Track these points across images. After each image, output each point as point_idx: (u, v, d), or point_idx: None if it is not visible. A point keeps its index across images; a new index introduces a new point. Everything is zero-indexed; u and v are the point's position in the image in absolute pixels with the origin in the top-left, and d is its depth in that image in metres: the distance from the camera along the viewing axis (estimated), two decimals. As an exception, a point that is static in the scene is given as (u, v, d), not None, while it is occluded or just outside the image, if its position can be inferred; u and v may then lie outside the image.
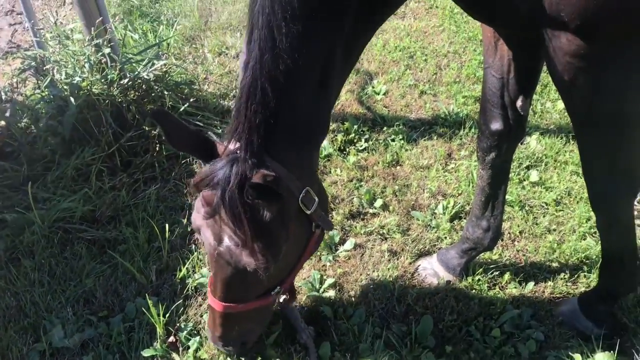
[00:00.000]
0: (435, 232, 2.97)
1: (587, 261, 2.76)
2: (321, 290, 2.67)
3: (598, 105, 1.82)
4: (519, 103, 2.27)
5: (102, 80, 3.29)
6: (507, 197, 3.04)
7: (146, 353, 2.42)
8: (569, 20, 1.62)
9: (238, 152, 1.71)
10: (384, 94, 3.99)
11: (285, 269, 2.04)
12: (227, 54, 4.46)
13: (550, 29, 1.70)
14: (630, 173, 2.02)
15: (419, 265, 2.79)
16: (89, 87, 3.22)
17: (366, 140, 3.60)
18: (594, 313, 2.44)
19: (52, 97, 3.28)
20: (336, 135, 3.61)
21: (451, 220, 3.02)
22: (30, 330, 2.52)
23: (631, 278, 2.33)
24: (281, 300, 2.13)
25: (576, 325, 2.48)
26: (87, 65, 3.31)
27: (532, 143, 3.49)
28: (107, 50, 3.29)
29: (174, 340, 2.49)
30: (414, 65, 4.29)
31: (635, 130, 1.91)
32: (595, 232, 2.90)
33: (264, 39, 1.58)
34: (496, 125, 2.33)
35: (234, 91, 3.93)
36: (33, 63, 3.43)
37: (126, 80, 3.37)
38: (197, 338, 2.48)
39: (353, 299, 2.64)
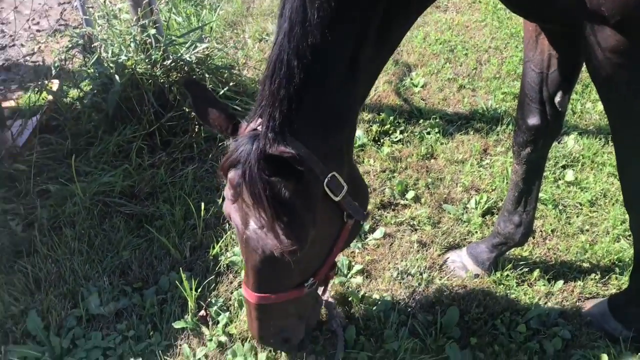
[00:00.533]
0: (466, 226, 2.98)
1: (619, 263, 2.74)
2: (349, 275, 2.71)
3: (636, 103, 1.80)
4: (557, 99, 2.26)
5: (146, 60, 3.38)
6: (541, 195, 3.04)
7: (177, 325, 2.50)
8: (609, 15, 1.61)
9: (260, 127, 1.66)
10: (422, 86, 4.00)
11: (317, 258, 1.96)
12: (267, 41, 4.52)
13: (590, 23, 1.69)
14: None
15: (447, 258, 2.81)
16: (133, 67, 3.31)
17: (401, 132, 3.61)
18: (623, 315, 2.42)
19: (97, 74, 3.38)
20: (371, 126, 3.63)
21: (483, 215, 3.02)
22: (69, 296, 2.62)
23: None
24: (316, 291, 2.09)
25: (604, 326, 2.46)
26: (132, 44, 3.40)
27: (570, 142, 3.45)
28: (152, 31, 3.37)
29: (205, 314, 2.56)
30: (454, 59, 4.28)
31: None
32: (629, 235, 2.86)
33: (295, 11, 1.54)
34: (533, 120, 2.33)
35: (273, 77, 3.98)
36: (81, 41, 3.54)
37: (169, 62, 3.45)
38: (227, 314, 2.55)
39: (380, 286, 2.67)
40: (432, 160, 3.41)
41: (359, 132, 3.56)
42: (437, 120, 3.68)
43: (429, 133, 3.58)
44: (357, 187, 1.98)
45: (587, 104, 3.79)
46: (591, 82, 3.92)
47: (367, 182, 3.18)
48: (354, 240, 2.84)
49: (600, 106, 3.73)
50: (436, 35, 4.54)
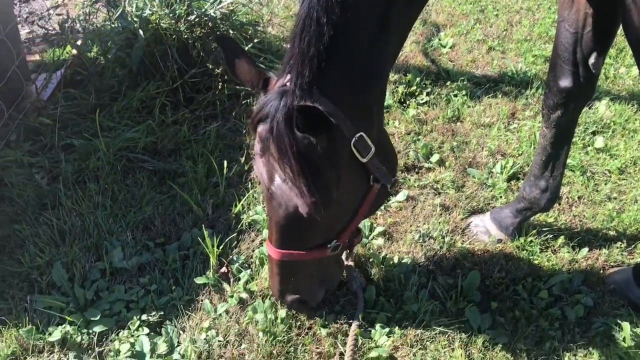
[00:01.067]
0: (491, 191, 2.94)
1: (646, 232, 2.69)
2: (370, 237, 2.70)
3: None
4: (591, 60, 2.18)
5: (170, 15, 3.34)
6: (569, 161, 2.98)
7: (199, 280, 2.52)
8: None
9: (288, 84, 1.65)
10: (451, 47, 3.90)
11: (341, 220, 1.95)
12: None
13: None
14: None
15: (470, 222, 2.78)
16: (157, 21, 3.27)
17: (428, 94, 3.54)
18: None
19: (121, 29, 3.35)
20: (397, 87, 3.57)
21: (508, 180, 2.97)
22: (93, 249, 2.66)
23: None
24: (339, 255, 2.09)
25: (628, 294, 2.43)
26: (157, -1, 3.35)
27: (601, 108, 3.36)
28: (176, -14, 3.32)
29: (226, 271, 2.58)
30: (484, 20, 4.16)
31: None
32: (658, 204, 2.80)
33: None
34: (565, 82, 2.25)
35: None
36: (106, -6, 3.50)
37: (193, 17, 3.40)
38: (248, 271, 2.56)
39: (402, 248, 2.66)
40: (458, 124, 3.35)
41: (384, 93, 3.49)
42: (464, 82, 3.60)
43: (456, 95, 3.51)
44: (386, 152, 1.95)
45: (620, 69, 3.67)
46: (626, 46, 3.79)
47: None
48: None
49: (634, 71, 3.61)
50: (466, -6, 4.41)
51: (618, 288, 2.47)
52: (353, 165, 1.80)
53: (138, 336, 2.34)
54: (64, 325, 2.35)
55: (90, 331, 2.35)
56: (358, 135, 1.73)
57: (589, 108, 3.38)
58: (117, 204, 2.86)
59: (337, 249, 2.00)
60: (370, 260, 2.58)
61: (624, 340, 2.27)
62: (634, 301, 2.41)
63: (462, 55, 3.84)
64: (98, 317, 2.39)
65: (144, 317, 2.40)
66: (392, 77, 3.65)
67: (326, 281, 2.18)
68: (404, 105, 3.48)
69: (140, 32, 3.23)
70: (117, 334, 2.36)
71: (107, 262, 2.60)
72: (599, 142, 3.14)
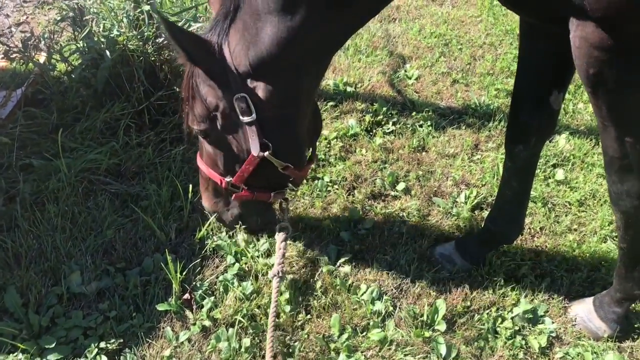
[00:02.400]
0: (455, 220, 2.97)
1: (605, 264, 2.75)
2: (337, 264, 2.69)
3: (622, 101, 1.79)
4: (551, 97, 2.22)
5: (138, 37, 3.30)
6: (531, 192, 3.04)
7: (160, 307, 2.45)
8: (591, 9, 1.60)
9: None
10: (416, 78, 3.97)
11: (228, 161, 2.26)
12: (262, 24, 4.44)
13: (575, 18, 1.67)
14: None
15: (436, 251, 2.79)
16: (125, 42, 3.24)
17: (394, 124, 3.58)
18: (607, 315, 2.43)
19: (88, 48, 3.30)
20: (364, 116, 3.60)
21: (472, 210, 3.01)
22: (50, 273, 2.56)
23: None
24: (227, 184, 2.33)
25: (588, 325, 2.47)
26: (125, 20, 3.32)
27: (561, 142, 3.46)
28: (146, 8, 3.29)
29: (189, 297, 2.52)
30: (449, 53, 4.26)
31: None
32: (616, 236, 2.87)
33: None
34: (526, 118, 2.28)
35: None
36: (72, 13, 3.44)
37: (161, 39, 3.38)
38: (212, 298, 2.51)
39: (368, 276, 2.65)
40: (424, 153, 3.39)
41: (352, 121, 3.53)
42: (429, 113, 3.66)
43: (421, 126, 3.57)
44: (288, 139, 2.18)
45: (579, 104, 3.80)
46: (584, 82, 3.94)
47: (358, 172, 3.17)
48: (344, 230, 2.82)
49: (591, 107, 3.74)
50: (431, 28, 4.52)
51: (579, 318, 2.51)
52: (234, 119, 2.09)
53: (95, 365, 2.25)
54: (16, 354, 2.25)
55: (45, 359, 2.24)
56: (241, 95, 2.01)
57: (550, 141, 3.48)
58: (77, 227, 2.78)
59: (236, 190, 2.32)
60: (337, 286, 2.56)
61: (585, 370, 2.30)
62: (595, 331, 2.45)
63: (427, 87, 3.92)
64: (53, 345, 2.29)
65: (102, 344, 2.32)
66: (360, 105, 3.69)
67: (242, 216, 2.51)
68: (371, 133, 3.51)
69: (107, 52, 3.18)
70: (73, 363, 2.26)
71: (64, 286, 2.51)
72: (560, 174, 3.22)
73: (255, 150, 2.11)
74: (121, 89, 3.28)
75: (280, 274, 2.35)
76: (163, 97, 3.33)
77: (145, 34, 3.31)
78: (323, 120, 3.53)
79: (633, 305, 2.54)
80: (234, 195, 2.37)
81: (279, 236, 2.45)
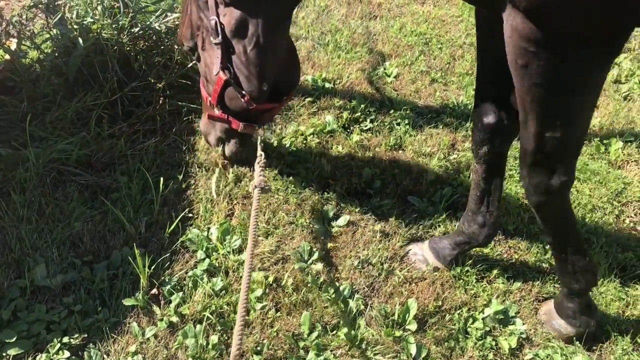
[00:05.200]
0: (430, 220, 2.95)
1: (577, 266, 2.75)
2: (309, 261, 2.66)
3: (546, 95, 1.78)
4: (512, 97, 2.17)
5: (113, 26, 3.23)
6: (505, 193, 3.04)
7: (127, 302, 2.40)
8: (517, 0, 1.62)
9: None
10: (395, 76, 3.95)
11: (209, 80, 2.52)
12: (241, 18, 4.39)
13: (509, 8, 1.69)
14: (567, 165, 1.99)
15: (409, 250, 2.78)
16: (98, 31, 3.16)
17: (371, 121, 3.56)
18: (564, 312, 2.44)
19: (60, 36, 3.22)
20: (342, 112, 3.57)
21: (447, 209, 3.00)
22: (14, 265, 2.49)
23: (584, 275, 2.28)
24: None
25: (553, 324, 2.48)
26: (99, 7, 3.24)
27: (537, 144, 3.46)
28: (121, -4, 3.23)
29: (157, 293, 2.47)
30: (428, 52, 4.25)
31: (575, 127, 1.88)
32: (588, 238, 2.89)
33: None
34: (489, 119, 2.26)
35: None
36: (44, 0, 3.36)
37: (137, 29, 3.31)
38: (180, 294, 2.46)
39: (340, 274, 2.63)
40: (400, 152, 3.37)
41: (329, 118, 3.49)
42: (407, 111, 3.64)
43: (398, 124, 3.55)
44: (246, 67, 2.37)
45: (556, 107, 3.81)
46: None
47: (334, 169, 3.14)
48: (317, 226, 2.79)
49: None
50: (412, 27, 4.50)
51: (544, 318, 2.51)
52: (210, 40, 2.37)
53: (57, 360, 2.19)
54: (-26, 348, 2.18)
55: (5, 354, 2.18)
56: (214, 18, 2.30)
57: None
58: (43, 218, 2.70)
59: (214, 111, 2.57)
60: (308, 284, 2.53)
61: (554, 371, 2.30)
62: (558, 329, 2.46)
63: (406, 85, 3.90)
64: (14, 339, 2.22)
65: (65, 339, 2.26)
66: (337, 102, 3.66)
67: (222, 140, 2.82)
68: (348, 130, 3.48)
69: (80, 40, 3.11)
70: (35, 358, 2.20)
71: (28, 279, 2.43)
72: (534, 176, 3.22)
73: (215, 69, 2.40)
74: (94, 79, 3.21)
75: (263, 185, 2.39)
76: (137, 88, 3.27)
77: (120, 22, 3.24)
78: (301, 116, 3.51)
79: (606, 307, 2.56)
80: (207, 113, 2.63)
81: (257, 159, 2.57)
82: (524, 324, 2.50)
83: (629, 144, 3.51)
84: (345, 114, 3.54)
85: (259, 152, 2.59)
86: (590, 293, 2.42)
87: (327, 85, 3.84)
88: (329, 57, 4.13)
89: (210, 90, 2.56)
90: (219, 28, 2.31)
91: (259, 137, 2.67)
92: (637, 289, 2.67)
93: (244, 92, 2.44)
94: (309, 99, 3.68)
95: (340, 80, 3.92)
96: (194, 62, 3.41)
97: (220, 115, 2.59)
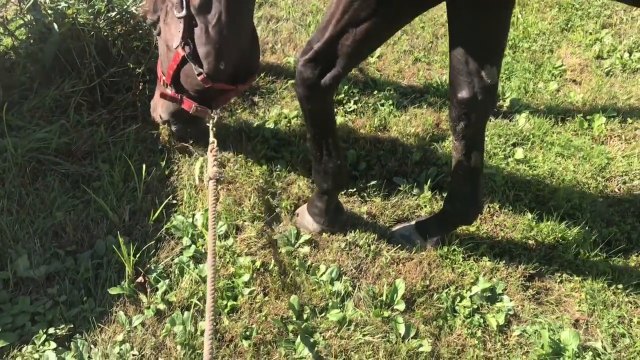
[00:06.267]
0: (416, 200, 2.95)
1: (563, 241, 2.77)
2: (296, 245, 2.64)
3: None
4: (484, 72, 2.17)
5: (89, 11, 3.16)
6: (490, 171, 3.05)
7: (113, 291, 2.38)
8: None
9: None
10: (378, 57, 3.92)
11: (166, 57, 2.58)
12: (220, 0, 4.32)
13: None
14: (339, 66, 2.11)
15: (396, 230, 2.77)
16: (74, 16, 3.09)
17: (355, 103, 3.53)
18: (313, 210, 2.67)
19: (34, 22, 3.14)
20: (325, 94, 3.54)
21: (433, 189, 2.99)
22: (-5, 257, 2.46)
23: (335, 177, 2.47)
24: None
25: (303, 221, 2.73)
26: (74, -8, 3.16)
27: (521, 121, 3.47)
28: (96, -21, 3.15)
29: (143, 281, 2.45)
30: (411, 32, 4.21)
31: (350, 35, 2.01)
32: (573, 214, 2.91)
33: None
34: (463, 94, 2.23)
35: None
36: (17, -16, 3.27)
37: (114, 14, 3.24)
38: (167, 281, 2.44)
39: (328, 256, 2.62)
40: (385, 132, 3.35)
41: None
42: (391, 92, 3.62)
43: (382, 105, 3.52)
44: (206, 44, 2.42)
45: (539, 84, 3.81)
46: (544, 61, 3.96)
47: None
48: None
49: (552, 86, 3.76)
50: (394, 6, 4.46)
51: (298, 218, 2.76)
52: (176, 12, 2.40)
53: (44, 351, 2.18)
54: (-43, 342, 2.14)
55: (-11, 347, 2.15)
56: None
57: (510, 120, 3.48)
58: (24, 209, 2.66)
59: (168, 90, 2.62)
60: (296, 267, 2.52)
61: (542, 347, 2.32)
62: (306, 226, 2.72)
63: (389, 66, 3.87)
64: (-2, 332, 2.19)
65: (51, 330, 2.23)
66: (320, 84, 3.62)
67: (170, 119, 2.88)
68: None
69: (55, 26, 3.03)
70: (20, 350, 2.18)
71: (11, 271, 2.40)
72: (519, 153, 3.23)
73: (175, 43, 2.44)
74: (72, 65, 3.14)
75: (219, 177, 2.42)
76: (116, 74, 3.20)
77: (96, 7, 3.17)
78: (284, 98, 3.47)
79: (592, 282, 2.58)
80: (160, 91, 2.65)
81: (210, 147, 2.58)
82: (511, 300, 2.51)
83: (612, 119, 3.52)
84: (328, 96, 3.51)
85: (212, 139, 2.58)
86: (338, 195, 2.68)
87: (309, 67, 3.80)
88: (311, 39, 4.07)
89: (165, 68, 2.59)
90: (184, 2, 2.36)
91: (211, 122, 2.65)
92: (621, 263, 2.70)
93: (201, 69, 2.47)
94: (291, 81, 3.64)
95: (323, 61, 3.87)
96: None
97: (173, 95, 2.62)
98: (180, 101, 2.64)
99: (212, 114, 2.64)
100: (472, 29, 2.10)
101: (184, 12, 2.37)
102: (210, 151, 2.52)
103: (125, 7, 3.28)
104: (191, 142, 3.01)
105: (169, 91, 2.63)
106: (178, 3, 2.37)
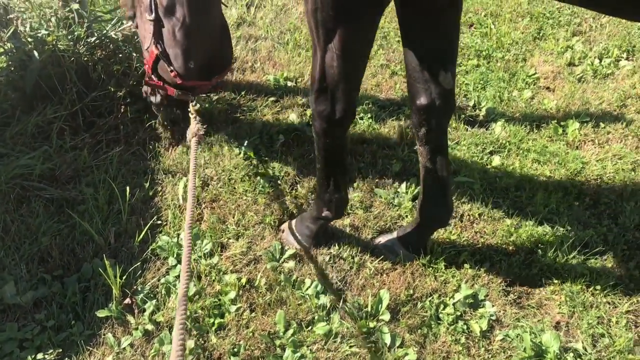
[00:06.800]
0: (397, 210, 3.00)
1: (542, 246, 2.83)
2: (281, 260, 2.68)
3: (323, 21, 2.01)
4: (440, 77, 2.22)
5: (69, 37, 3.20)
6: (469, 179, 3.11)
7: (101, 313, 2.40)
8: None
9: None
10: (356, 71, 3.99)
11: (145, 49, 2.69)
12: (199, 21, 4.38)
13: None
14: (346, 96, 2.21)
15: (379, 241, 2.82)
16: (54, 42, 3.13)
17: (335, 117, 3.59)
18: (305, 231, 2.72)
19: (15, 49, 3.17)
20: (305, 110, 3.61)
21: (413, 199, 3.05)
22: (-19, 285, 2.47)
23: (338, 206, 2.58)
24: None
25: (289, 238, 2.78)
26: (53, 19, 3.20)
27: (497, 129, 3.55)
28: (75, 6, 3.19)
29: (130, 302, 2.47)
30: (387, 46, 4.30)
31: (347, 60, 2.08)
32: (551, 218, 2.98)
33: None
34: (422, 100, 2.29)
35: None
36: (-4, 13, 3.30)
37: (93, 39, 3.28)
38: (154, 301, 2.46)
39: (312, 270, 2.66)
40: (365, 145, 3.41)
41: (293, 116, 3.52)
42: (369, 105, 3.69)
43: (362, 118, 3.59)
44: (174, 45, 2.53)
45: (513, 92, 3.90)
46: (517, 70, 4.05)
47: (300, 166, 3.17)
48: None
49: (526, 94, 3.85)
50: (370, 21, 4.55)
51: (284, 233, 2.80)
52: (147, 15, 2.52)
53: (33, 377, 2.18)
54: (-54, 371, 2.15)
55: (-22, 375, 2.16)
56: None
57: (486, 129, 3.56)
58: (9, 236, 2.68)
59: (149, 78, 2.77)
60: (281, 282, 2.56)
61: (524, 350, 2.37)
62: (291, 242, 2.76)
63: (367, 80, 3.94)
64: (-14, 360, 2.20)
65: (39, 356, 2.25)
66: (300, 100, 3.69)
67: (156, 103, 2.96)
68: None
69: (35, 53, 3.07)
70: (9, 377, 2.19)
71: (-3, 298, 2.41)
72: (496, 161, 3.30)
73: (146, 44, 2.60)
74: (53, 91, 3.17)
75: (201, 133, 2.56)
76: (97, 98, 3.24)
77: (76, 33, 3.21)
78: (265, 116, 3.52)
79: (571, 284, 2.64)
80: (145, 79, 2.81)
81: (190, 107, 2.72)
82: (493, 306, 2.57)
83: (585, 124, 3.61)
84: (309, 112, 3.57)
85: (193, 103, 2.72)
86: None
87: (289, 84, 3.87)
88: (290, 56, 4.15)
89: (146, 58, 2.72)
90: (152, 5, 2.48)
91: (192, 107, 2.75)
92: (599, 264, 2.77)
93: (172, 68, 2.60)
94: (272, 98, 3.70)
95: (302, 78, 3.94)
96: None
97: (156, 82, 2.76)
98: (164, 87, 2.77)
99: (193, 101, 2.74)
100: (422, 36, 2.17)
101: (152, 16, 2.50)
102: (191, 111, 2.65)
103: (105, 32, 3.33)
104: (182, 125, 3.08)
105: (153, 79, 2.76)
106: (147, 6, 2.50)
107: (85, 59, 3.26)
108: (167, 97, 2.89)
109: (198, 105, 2.73)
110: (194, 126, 2.56)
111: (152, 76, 2.75)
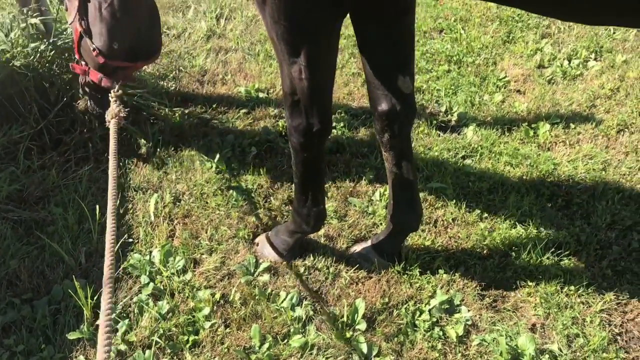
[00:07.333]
0: (372, 218, 3.00)
1: (515, 249, 2.84)
2: (256, 274, 2.66)
3: (285, 33, 1.99)
4: (399, 82, 2.23)
5: (24, 53, 3.15)
6: (441, 185, 3.12)
7: (72, 336, 2.35)
8: None
9: None
10: (327, 80, 3.99)
11: (71, 13, 2.61)
12: (167, 34, 4.37)
13: None
14: (320, 109, 2.20)
15: (354, 250, 2.81)
16: (9, 59, 3.07)
17: (307, 126, 3.58)
18: (281, 244, 2.71)
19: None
20: (277, 121, 3.59)
21: (387, 207, 3.05)
22: (-53, 312, 2.41)
23: (317, 219, 2.54)
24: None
25: (264, 250, 2.77)
26: (12, 34, 3.16)
27: (469, 134, 3.57)
28: (32, 20, 3.15)
29: (101, 323, 2.42)
30: (358, 54, 4.29)
31: (315, 70, 2.06)
32: (524, 220, 2.99)
33: None
34: (383, 106, 2.29)
35: (174, 72, 3.87)
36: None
37: (48, 51, 3.23)
38: (127, 321, 2.42)
39: (287, 282, 2.64)
40: (338, 155, 3.41)
41: (265, 127, 3.50)
42: (342, 114, 3.69)
43: (334, 127, 3.58)
44: (98, 22, 2.50)
45: (484, 96, 3.93)
46: (488, 74, 4.08)
47: (274, 177, 3.15)
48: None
49: (497, 97, 3.88)
50: (341, 29, 4.55)
51: (259, 246, 2.79)
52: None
53: (2, 405, 2.13)
54: None
55: (-56, 406, 2.10)
56: None
57: (458, 134, 3.58)
58: (-24, 260, 2.62)
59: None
60: (256, 296, 2.53)
61: (501, 354, 2.37)
62: (266, 255, 2.75)
63: (339, 89, 3.94)
64: (-47, 389, 2.15)
65: (8, 382, 2.19)
66: (272, 110, 3.68)
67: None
68: (285, 138, 3.50)
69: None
70: (-23, 405, 2.13)
71: (-36, 325, 2.35)
72: (469, 165, 3.31)
73: (70, 19, 2.57)
74: (17, 111, 3.12)
75: (122, 114, 2.57)
76: (61, 114, 3.19)
77: (30, 46, 3.16)
78: (237, 128, 3.50)
79: (545, 285, 2.65)
80: (71, 64, 2.81)
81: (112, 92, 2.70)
82: (469, 310, 2.56)
83: (556, 125, 3.65)
84: (281, 123, 3.56)
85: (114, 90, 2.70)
86: None
87: (260, 95, 3.86)
88: (261, 67, 4.14)
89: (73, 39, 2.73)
90: None
91: (113, 93, 2.72)
92: (572, 265, 2.78)
93: (94, 46, 2.58)
94: (243, 110, 3.69)
95: (274, 89, 3.94)
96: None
97: (81, 67, 2.76)
98: (87, 72, 2.75)
99: (116, 87, 2.71)
100: (378, 44, 2.16)
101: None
102: (112, 95, 2.66)
103: (59, 44, 3.28)
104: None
105: (80, 64, 2.77)
106: None
107: (42, 73, 3.21)
108: (91, 85, 2.85)
109: (120, 91, 2.71)
110: (114, 108, 2.54)
111: (81, 61, 2.74)
